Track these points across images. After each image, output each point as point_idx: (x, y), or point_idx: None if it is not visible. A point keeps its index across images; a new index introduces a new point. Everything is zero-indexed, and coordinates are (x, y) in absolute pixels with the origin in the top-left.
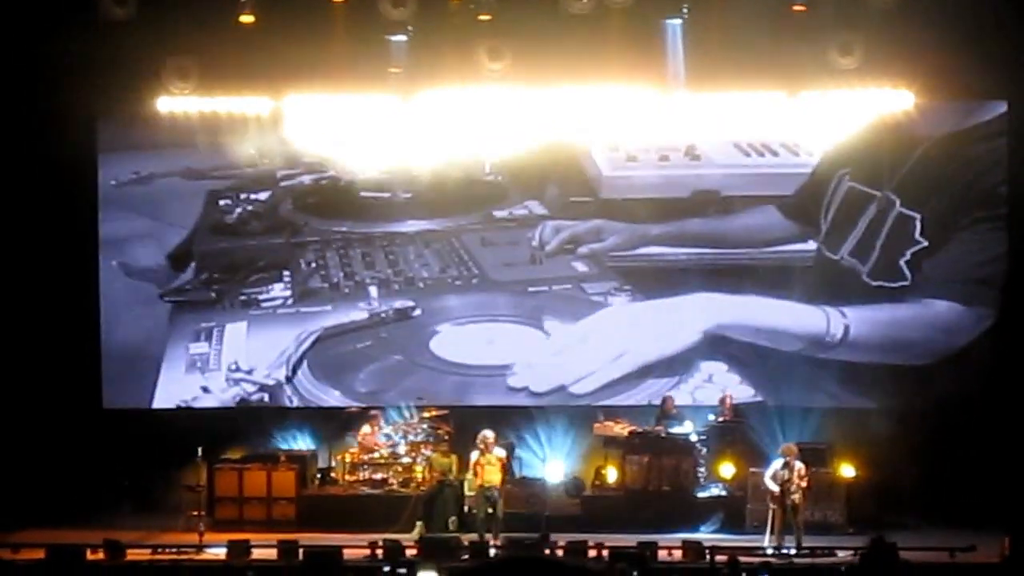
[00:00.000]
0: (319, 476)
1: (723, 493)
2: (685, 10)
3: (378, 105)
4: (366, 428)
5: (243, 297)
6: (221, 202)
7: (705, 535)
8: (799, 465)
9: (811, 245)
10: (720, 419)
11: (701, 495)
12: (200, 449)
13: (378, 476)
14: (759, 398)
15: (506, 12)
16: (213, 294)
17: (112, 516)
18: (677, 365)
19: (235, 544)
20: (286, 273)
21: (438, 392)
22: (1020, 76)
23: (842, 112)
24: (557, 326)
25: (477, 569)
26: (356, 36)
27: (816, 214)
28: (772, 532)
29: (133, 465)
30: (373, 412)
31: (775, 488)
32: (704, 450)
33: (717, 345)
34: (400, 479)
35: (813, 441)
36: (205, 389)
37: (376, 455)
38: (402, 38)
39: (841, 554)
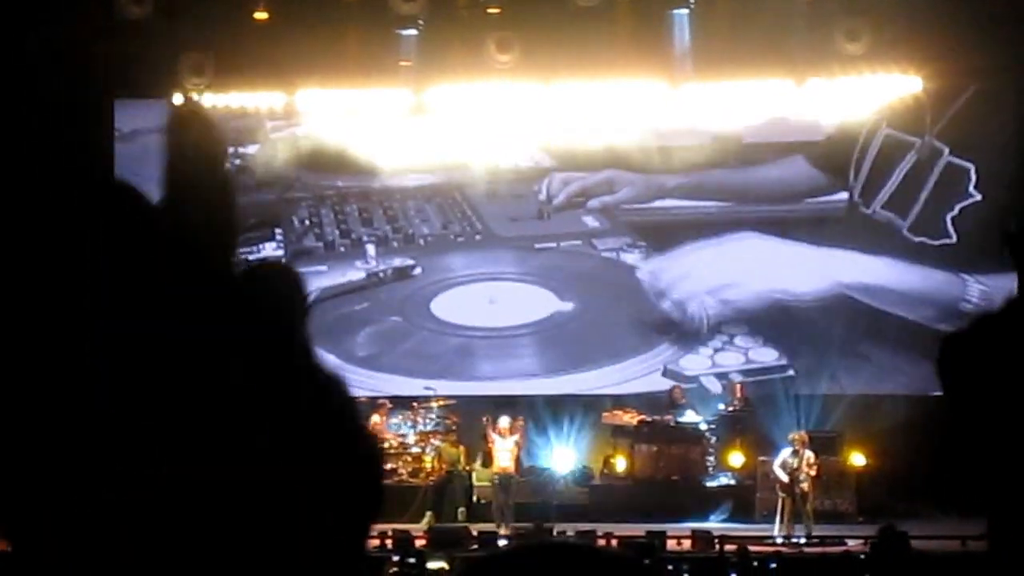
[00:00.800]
0: None
1: (732, 482)
2: (692, 0)
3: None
4: (375, 417)
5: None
6: None
7: (714, 524)
8: (808, 453)
9: (842, 196)
10: (730, 408)
11: (710, 484)
12: None
13: (387, 466)
14: (783, 360)
15: (515, 5)
16: None
17: None
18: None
19: None
20: (277, 231)
21: (439, 355)
22: None
23: (850, 99)
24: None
25: (505, 555)
26: (367, 31)
27: (847, 163)
28: (782, 521)
29: None
30: (381, 401)
31: (784, 477)
32: (713, 439)
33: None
34: (409, 469)
35: (822, 429)
36: None
37: (385, 445)
38: (412, 32)
39: (851, 543)
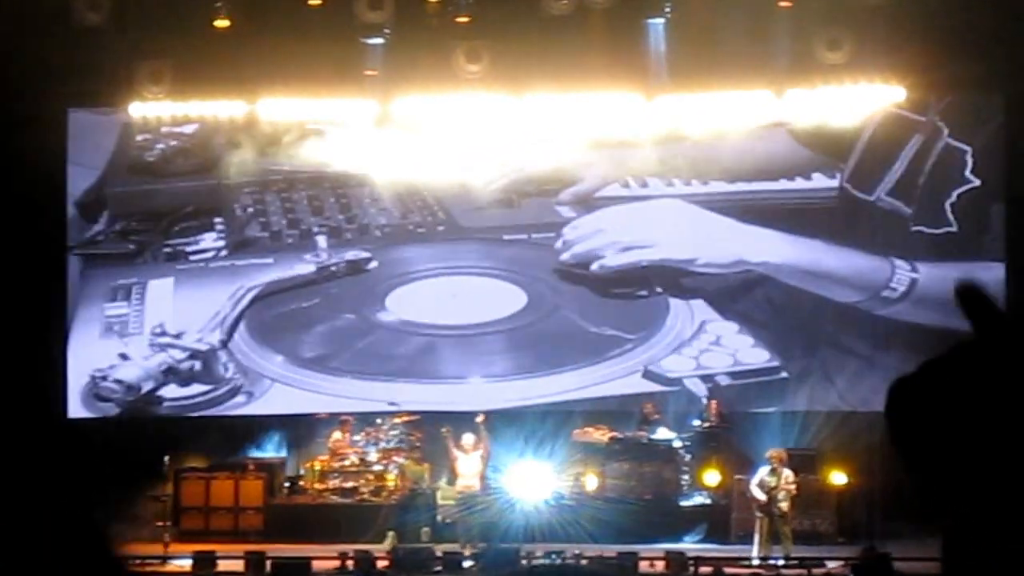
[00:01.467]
0: (287, 485)
1: (707, 501)
2: (668, 9)
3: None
4: (337, 435)
5: (168, 249)
6: (139, 136)
7: (689, 545)
8: (787, 472)
9: (833, 182)
10: (705, 424)
11: (684, 504)
12: (167, 458)
13: (348, 484)
14: (774, 363)
15: (485, 14)
16: (132, 246)
17: None
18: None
19: (201, 556)
20: (218, 220)
21: (397, 356)
22: (1016, 68)
23: (831, 109)
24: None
25: None
26: (332, 39)
27: (841, 142)
28: (759, 542)
29: (95, 474)
30: (344, 417)
31: (762, 496)
32: (687, 456)
33: (733, 297)
34: (371, 488)
35: (801, 446)
36: (124, 356)
37: (347, 462)
38: (379, 41)
39: (831, 565)
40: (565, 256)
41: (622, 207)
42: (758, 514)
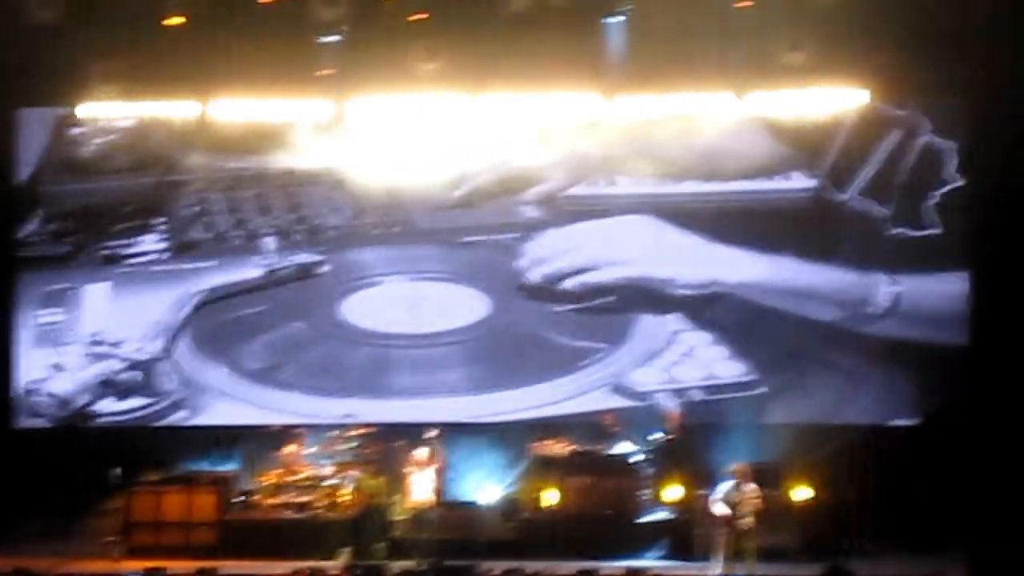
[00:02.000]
0: (241, 499)
1: (669, 517)
2: (628, 8)
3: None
4: (291, 447)
5: (105, 251)
6: (73, 130)
7: (650, 562)
8: (751, 487)
9: (808, 182)
10: (667, 437)
11: (646, 519)
12: (118, 470)
13: (303, 499)
14: (751, 376)
15: (442, 11)
16: (66, 248)
17: (22, 542)
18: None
19: (152, 572)
20: (159, 220)
21: (349, 368)
22: (979, 72)
23: (792, 112)
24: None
25: None
26: (286, 37)
27: (818, 139)
28: (722, 559)
29: (43, 486)
30: (298, 431)
31: (725, 511)
32: (649, 471)
33: (705, 307)
34: (326, 502)
35: (764, 460)
36: (58, 367)
37: (300, 477)
38: (334, 39)
39: None
40: (532, 276)
41: (589, 224)
42: (721, 530)
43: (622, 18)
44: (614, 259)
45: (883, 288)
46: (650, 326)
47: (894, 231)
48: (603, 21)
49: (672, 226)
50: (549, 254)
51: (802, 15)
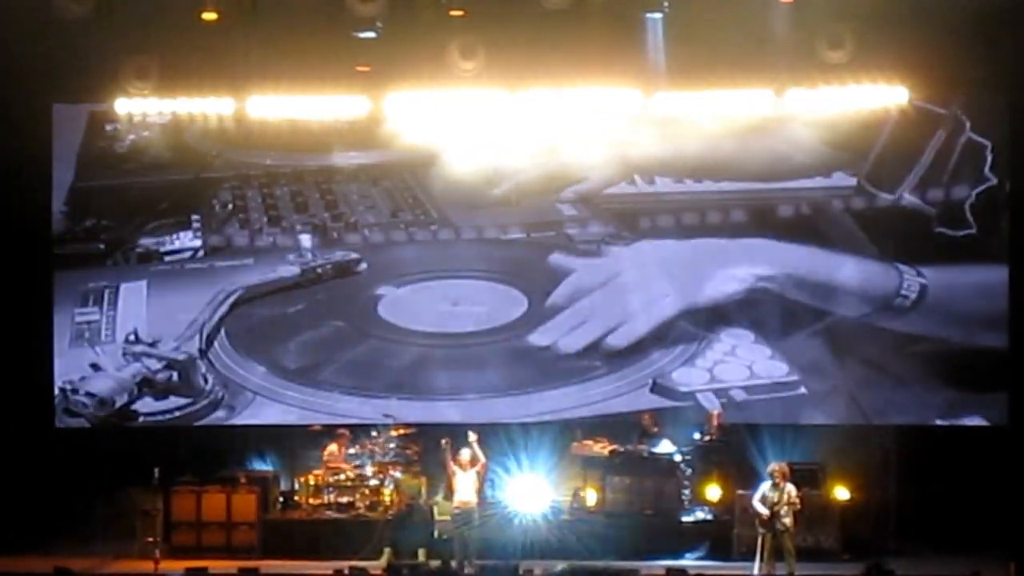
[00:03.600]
0: (281, 500)
1: (709, 517)
2: (666, 3)
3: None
4: (332, 447)
5: (140, 249)
6: (108, 127)
7: (690, 562)
8: (790, 487)
9: (850, 180)
10: (706, 437)
11: (686, 519)
12: (157, 470)
13: (344, 500)
14: (793, 376)
15: (480, 7)
16: (102, 246)
17: (63, 543)
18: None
19: (192, 572)
20: (195, 218)
21: (388, 368)
22: (1018, 68)
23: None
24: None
25: None
26: (323, 33)
27: (860, 138)
28: (761, 559)
29: (84, 488)
30: (341, 431)
31: (764, 512)
32: (689, 471)
33: (749, 306)
34: (367, 503)
35: (804, 461)
36: (96, 367)
37: (342, 477)
38: (371, 35)
39: None
40: (565, 345)
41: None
42: (761, 530)
43: (661, 14)
44: (650, 301)
45: (911, 280)
46: (691, 326)
47: (937, 230)
48: (642, 17)
49: (703, 235)
50: (586, 316)
51: (842, 12)
